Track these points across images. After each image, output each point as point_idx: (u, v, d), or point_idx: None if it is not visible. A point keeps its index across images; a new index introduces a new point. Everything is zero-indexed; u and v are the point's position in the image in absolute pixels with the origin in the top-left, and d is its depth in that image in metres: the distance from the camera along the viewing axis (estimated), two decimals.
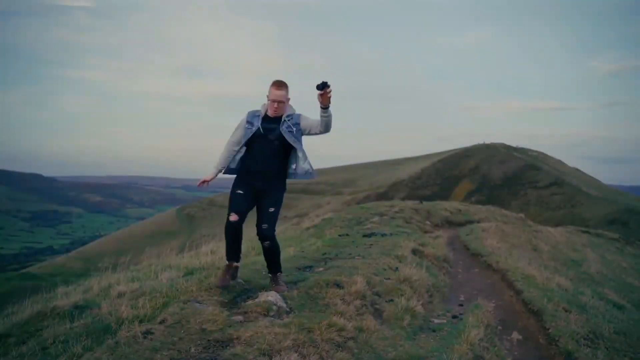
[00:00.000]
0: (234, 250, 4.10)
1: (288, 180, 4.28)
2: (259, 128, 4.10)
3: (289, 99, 4.19)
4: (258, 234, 4.10)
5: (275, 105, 4.09)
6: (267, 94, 4.14)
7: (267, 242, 4.10)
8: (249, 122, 4.16)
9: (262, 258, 5.87)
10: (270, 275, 4.32)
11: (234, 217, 3.97)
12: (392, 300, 4.58)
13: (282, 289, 4.14)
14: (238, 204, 4.04)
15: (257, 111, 4.23)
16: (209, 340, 3.08)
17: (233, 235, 4.04)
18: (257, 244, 8.23)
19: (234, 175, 4.24)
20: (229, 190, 4.14)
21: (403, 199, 41.74)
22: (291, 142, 4.12)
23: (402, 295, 4.72)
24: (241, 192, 4.09)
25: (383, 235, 9.09)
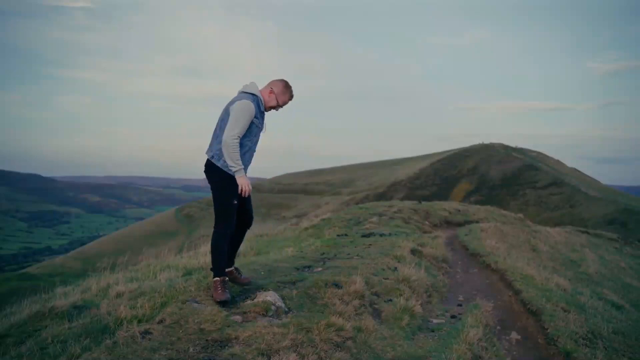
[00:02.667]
0: (229, 257, 4.09)
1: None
2: (263, 126, 4.02)
3: None
4: (246, 221, 4.14)
5: (278, 110, 4.09)
6: (275, 90, 4.01)
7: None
8: (257, 118, 3.92)
9: (261, 258, 5.88)
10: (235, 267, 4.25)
11: (231, 231, 3.96)
12: (390, 300, 4.58)
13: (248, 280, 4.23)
14: (234, 218, 3.96)
15: (259, 100, 3.96)
16: (207, 340, 3.08)
17: (228, 245, 4.01)
18: (256, 244, 8.24)
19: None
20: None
21: (402, 199, 41.81)
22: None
23: (400, 295, 4.72)
24: (236, 202, 3.92)
25: (382, 235, 9.10)
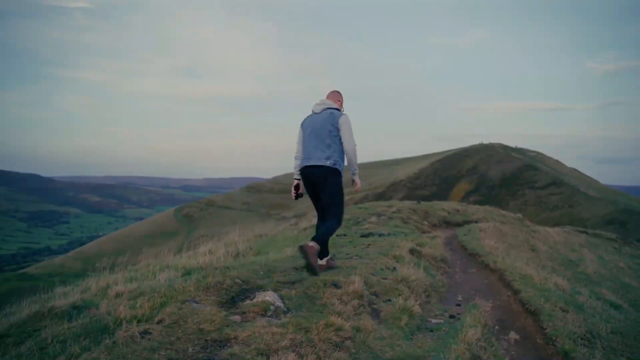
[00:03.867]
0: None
1: None
2: None
3: None
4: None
5: None
6: (342, 100, 4.93)
7: None
8: None
9: (260, 258, 5.91)
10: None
11: None
12: (389, 300, 4.59)
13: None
14: None
15: None
16: (206, 340, 3.09)
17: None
18: (255, 244, 8.24)
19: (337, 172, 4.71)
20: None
21: (401, 199, 41.82)
22: None
23: (399, 295, 4.73)
24: None
25: (381, 235, 9.10)
